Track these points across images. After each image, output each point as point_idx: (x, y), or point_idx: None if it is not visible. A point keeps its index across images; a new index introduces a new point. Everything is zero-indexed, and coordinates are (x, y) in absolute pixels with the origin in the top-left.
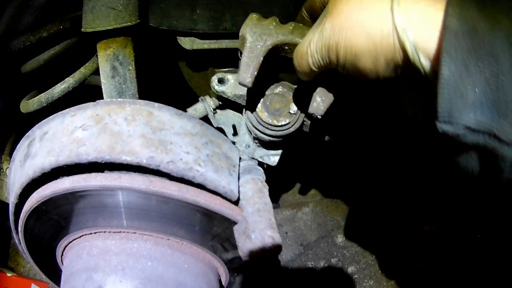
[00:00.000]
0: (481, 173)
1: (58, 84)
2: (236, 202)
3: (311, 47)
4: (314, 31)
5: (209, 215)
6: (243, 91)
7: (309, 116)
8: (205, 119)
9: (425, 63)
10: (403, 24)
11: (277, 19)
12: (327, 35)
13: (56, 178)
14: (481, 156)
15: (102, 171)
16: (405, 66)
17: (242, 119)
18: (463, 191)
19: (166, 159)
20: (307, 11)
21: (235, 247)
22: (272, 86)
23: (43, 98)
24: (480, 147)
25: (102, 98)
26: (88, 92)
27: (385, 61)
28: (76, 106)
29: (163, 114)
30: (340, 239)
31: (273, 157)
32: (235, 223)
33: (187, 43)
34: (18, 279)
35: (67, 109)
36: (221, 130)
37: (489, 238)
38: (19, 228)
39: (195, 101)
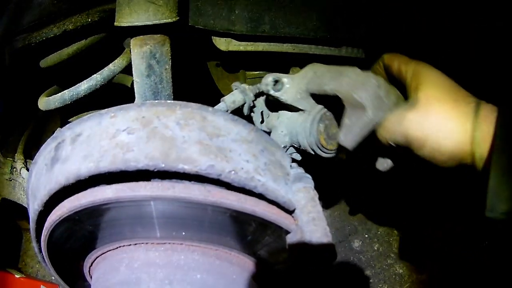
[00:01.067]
0: None
1: (84, 81)
2: (292, 212)
3: (399, 130)
4: (404, 116)
5: (264, 225)
6: (305, 98)
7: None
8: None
9: (481, 169)
10: (480, 139)
11: (387, 85)
12: (418, 128)
13: (92, 186)
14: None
15: (148, 179)
16: (469, 165)
17: (279, 116)
18: None
19: (228, 168)
20: (384, 67)
21: (282, 255)
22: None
23: (67, 95)
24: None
25: (120, 96)
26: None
27: (457, 158)
28: (115, 107)
29: (217, 119)
30: (356, 244)
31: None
32: (288, 232)
33: (222, 44)
34: (27, 281)
35: (105, 110)
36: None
37: (496, 246)
38: (43, 237)
39: None
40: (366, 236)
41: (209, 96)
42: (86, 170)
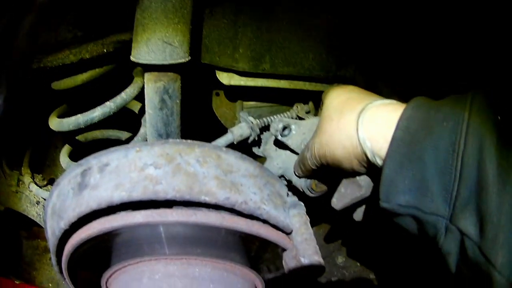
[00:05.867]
0: (417, 231)
1: (98, 108)
2: (289, 233)
3: (311, 155)
4: (312, 144)
5: (265, 244)
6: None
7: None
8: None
9: (380, 163)
10: (365, 138)
11: None
12: (318, 148)
13: (119, 211)
14: (413, 220)
15: (171, 207)
16: (369, 163)
17: (278, 149)
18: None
19: (240, 199)
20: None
21: (277, 268)
22: None
23: (81, 119)
24: (410, 215)
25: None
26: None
27: (357, 161)
28: (140, 142)
29: (229, 157)
30: (340, 259)
31: None
32: (284, 249)
33: (225, 78)
34: (26, 287)
35: (130, 143)
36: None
37: None
38: (66, 252)
39: (221, 130)
40: (350, 252)
41: (209, 123)
42: (118, 198)
